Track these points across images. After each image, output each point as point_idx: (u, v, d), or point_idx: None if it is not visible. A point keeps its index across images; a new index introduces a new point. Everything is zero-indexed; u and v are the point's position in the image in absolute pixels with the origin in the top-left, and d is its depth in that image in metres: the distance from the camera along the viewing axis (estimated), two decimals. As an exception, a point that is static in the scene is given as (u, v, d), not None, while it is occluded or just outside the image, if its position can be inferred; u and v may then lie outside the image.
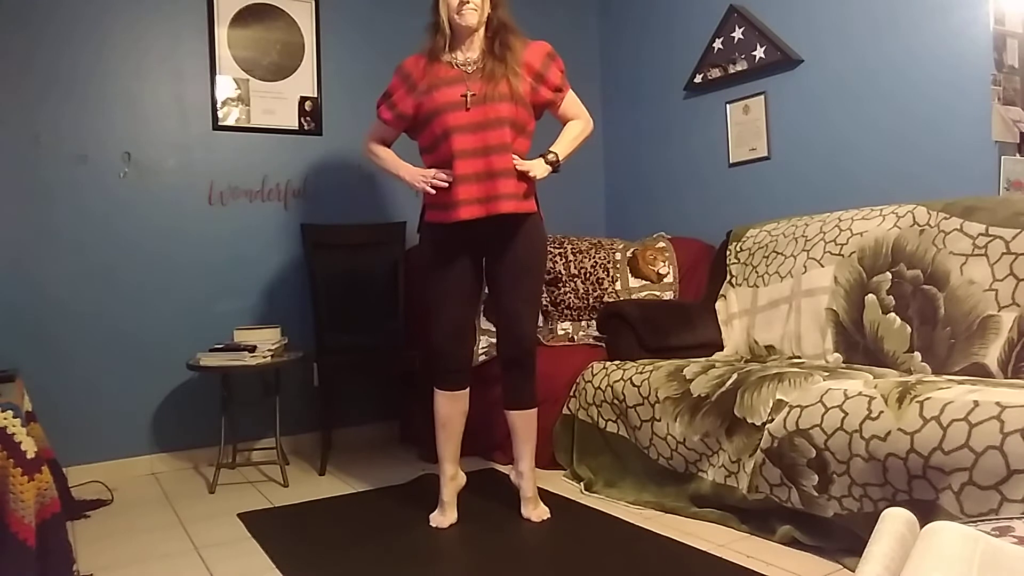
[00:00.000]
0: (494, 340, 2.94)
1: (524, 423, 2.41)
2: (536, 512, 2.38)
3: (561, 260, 3.48)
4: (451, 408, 2.39)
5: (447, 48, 2.28)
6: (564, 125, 2.44)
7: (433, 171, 2.28)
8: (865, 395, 1.96)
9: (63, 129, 3.01)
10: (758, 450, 2.17)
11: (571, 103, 2.43)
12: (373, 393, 3.60)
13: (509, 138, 2.24)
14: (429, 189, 2.26)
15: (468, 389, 2.42)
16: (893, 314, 2.48)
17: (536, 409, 2.44)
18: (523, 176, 2.26)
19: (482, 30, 2.28)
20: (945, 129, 2.73)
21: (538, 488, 2.45)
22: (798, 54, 3.22)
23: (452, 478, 2.40)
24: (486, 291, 2.50)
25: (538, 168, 2.28)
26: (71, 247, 3.02)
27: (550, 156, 2.32)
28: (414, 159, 2.44)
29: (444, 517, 2.35)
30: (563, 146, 2.38)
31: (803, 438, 2.03)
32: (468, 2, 2.20)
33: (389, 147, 2.48)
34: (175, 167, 3.22)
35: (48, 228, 2.98)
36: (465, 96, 2.22)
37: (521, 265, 2.34)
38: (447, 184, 2.23)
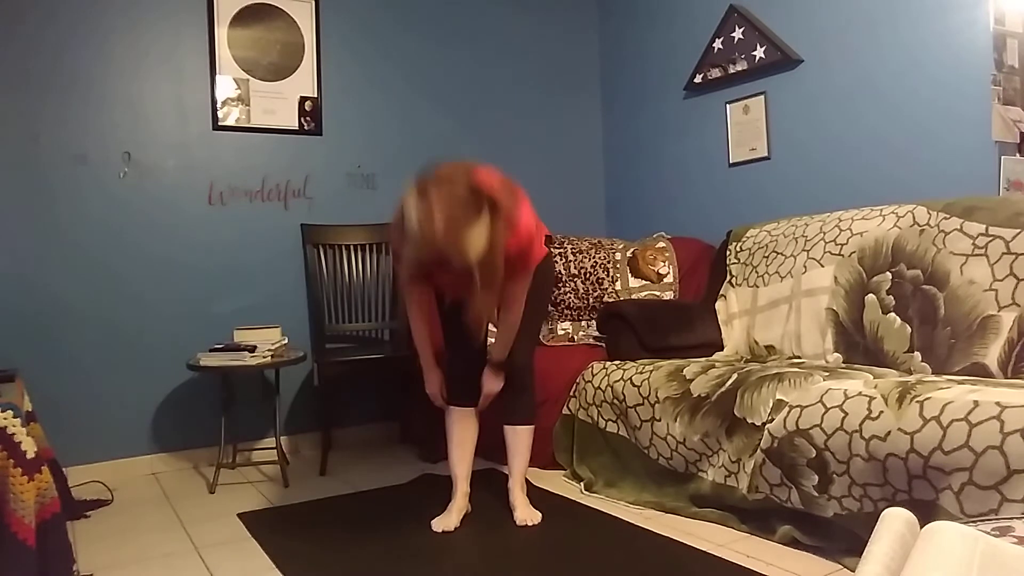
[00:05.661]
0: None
1: (515, 440, 2.42)
2: (529, 517, 2.35)
3: (561, 260, 3.48)
4: (466, 423, 2.41)
5: None
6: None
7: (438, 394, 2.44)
8: (865, 395, 1.96)
9: (63, 129, 3.01)
10: (758, 450, 2.17)
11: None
12: (373, 393, 3.60)
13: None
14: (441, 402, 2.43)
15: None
16: (893, 314, 2.48)
17: (531, 427, 2.44)
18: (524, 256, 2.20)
19: None
20: (945, 129, 2.73)
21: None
22: (798, 54, 3.22)
23: (465, 495, 2.40)
24: None
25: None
26: (71, 247, 3.02)
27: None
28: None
29: (447, 523, 2.34)
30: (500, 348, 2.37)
31: (803, 438, 2.03)
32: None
33: (426, 302, 2.40)
34: (175, 167, 3.22)
35: (48, 228, 2.98)
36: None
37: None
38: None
